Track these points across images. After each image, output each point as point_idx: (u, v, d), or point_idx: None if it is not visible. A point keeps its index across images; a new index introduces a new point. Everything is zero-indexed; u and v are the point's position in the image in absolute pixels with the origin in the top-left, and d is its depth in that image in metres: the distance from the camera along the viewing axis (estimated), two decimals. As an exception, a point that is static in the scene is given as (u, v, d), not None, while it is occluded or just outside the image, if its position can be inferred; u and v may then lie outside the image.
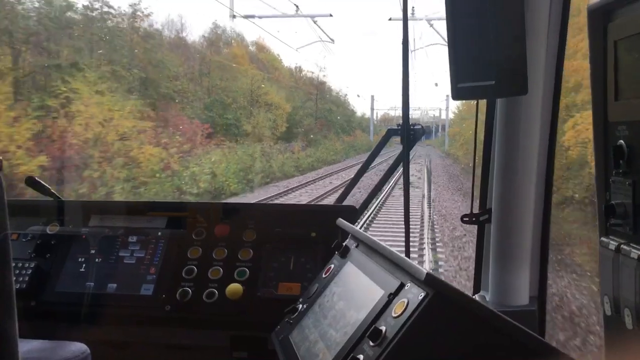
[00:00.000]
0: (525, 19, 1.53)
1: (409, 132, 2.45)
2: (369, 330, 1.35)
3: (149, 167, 17.54)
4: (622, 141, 1.40)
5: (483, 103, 2.22)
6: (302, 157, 32.63)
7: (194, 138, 21.95)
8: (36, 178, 2.58)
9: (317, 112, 39.68)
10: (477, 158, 2.33)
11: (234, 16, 27.92)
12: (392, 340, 1.27)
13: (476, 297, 2.27)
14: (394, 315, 1.33)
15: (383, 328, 1.33)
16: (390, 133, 2.58)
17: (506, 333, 1.29)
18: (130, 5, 23.46)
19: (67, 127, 15.68)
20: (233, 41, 33.55)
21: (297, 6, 28.69)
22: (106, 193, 14.69)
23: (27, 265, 2.37)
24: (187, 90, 25.90)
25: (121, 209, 2.65)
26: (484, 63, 1.60)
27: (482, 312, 1.29)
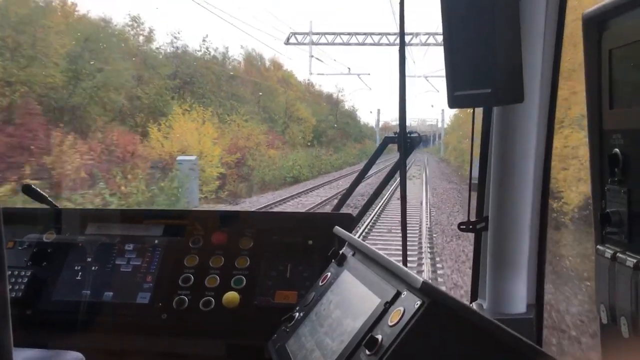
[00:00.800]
0: (521, 27, 1.54)
1: (405, 140, 2.45)
2: (365, 339, 1.35)
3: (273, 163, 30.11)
4: (617, 149, 1.41)
5: (479, 112, 2.22)
6: (334, 159, 42.56)
7: (275, 143, 33.52)
8: (32, 186, 2.57)
9: (337, 124, 49.69)
10: (473, 166, 2.34)
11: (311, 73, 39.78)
12: (388, 349, 1.27)
13: (473, 305, 2.26)
14: (390, 324, 1.33)
15: (379, 337, 1.32)
16: (387, 141, 2.59)
17: (503, 341, 1.28)
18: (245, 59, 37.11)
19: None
20: (272, 67, 42.09)
21: (349, 68, 45.04)
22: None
23: (24, 273, 2.37)
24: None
25: (118, 217, 2.65)
26: (480, 71, 1.60)
27: (478, 321, 1.29)
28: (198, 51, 30.68)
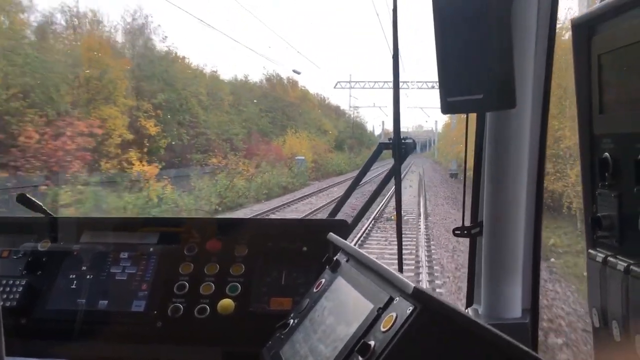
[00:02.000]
0: (512, 33, 1.55)
1: (400, 145, 2.46)
2: (358, 344, 1.35)
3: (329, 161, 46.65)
4: (607, 154, 1.41)
5: (473, 117, 2.23)
6: (359, 160, 53.44)
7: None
8: (27, 195, 2.57)
9: (353, 135, 63.16)
10: (467, 171, 2.35)
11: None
12: (381, 355, 1.27)
13: (469, 310, 2.27)
14: (382, 329, 1.33)
15: (372, 342, 1.32)
16: (381, 147, 2.59)
17: (497, 347, 1.28)
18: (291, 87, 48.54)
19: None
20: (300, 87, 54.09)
21: (374, 103, 56.18)
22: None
23: (18, 282, 2.36)
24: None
25: (113, 225, 2.65)
26: (473, 77, 1.61)
27: (471, 326, 1.29)
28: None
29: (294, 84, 49.45)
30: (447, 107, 1.78)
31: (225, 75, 41.45)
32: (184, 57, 31.23)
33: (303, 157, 37.89)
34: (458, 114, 2.07)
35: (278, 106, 42.90)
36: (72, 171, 18.86)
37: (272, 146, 37.03)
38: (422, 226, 18.90)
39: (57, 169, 18.28)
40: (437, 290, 12.29)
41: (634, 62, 1.29)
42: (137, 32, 26.88)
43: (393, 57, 2.48)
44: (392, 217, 19.83)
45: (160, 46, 28.67)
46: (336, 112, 62.97)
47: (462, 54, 1.66)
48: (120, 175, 20.99)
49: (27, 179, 17.18)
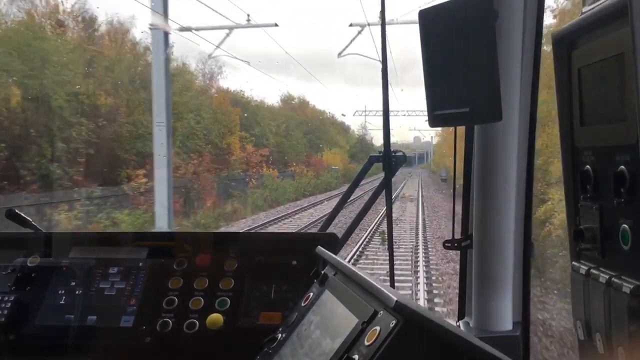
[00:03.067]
0: (497, 46, 1.56)
1: (390, 159, 2.47)
2: (343, 359, 1.34)
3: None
4: (588, 166, 1.42)
5: (461, 131, 2.24)
6: (372, 169, 58.33)
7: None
8: (16, 210, 2.57)
9: (362, 149, 69.11)
10: (457, 184, 2.35)
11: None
12: None
13: (460, 323, 2.26)
14: (366, 343, 1.32)
15: (356, 357, 1.31)
16: (372, 160, 2.60)
17: None
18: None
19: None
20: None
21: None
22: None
23: (7, 298, 2.35)
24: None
25: (102, 240, 2.65)
26: (459, 91, 1.63)
27: (454, 340, 1.28)
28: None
29: (314, 108, 60.01)
30: (434, 120, 1.79)
31: (270, 102, 49.75)
32: (261, 100, 45.64)
33: (337, 167, 54.52)
34: (445, 127, 2.08)
35: (310, 129, 54.34)
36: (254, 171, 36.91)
37: (317, 159, 51.55)
38: (420, 202, 34.30)
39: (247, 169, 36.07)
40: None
41: (612, 75, 1.30)
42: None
43: (382, 71, 2.50)
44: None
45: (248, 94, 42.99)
46: (342, 128, 72.14)
47: (447, 68, 1.67)
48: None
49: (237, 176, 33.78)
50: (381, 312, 1.37)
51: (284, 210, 30.36)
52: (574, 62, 1.45)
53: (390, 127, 2.52)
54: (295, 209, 30.67)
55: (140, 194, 22.88)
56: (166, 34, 18.56)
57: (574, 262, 1.50)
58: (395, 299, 1.28)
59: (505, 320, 2.09)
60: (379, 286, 1.43)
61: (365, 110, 71.15)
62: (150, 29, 19.53)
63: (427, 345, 1.28)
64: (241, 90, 41.05)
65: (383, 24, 2.45)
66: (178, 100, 25.96)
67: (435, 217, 28.21)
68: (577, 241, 1.46)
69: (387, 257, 2.59)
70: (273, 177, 38.19)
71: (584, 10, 1.47)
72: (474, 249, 2.11)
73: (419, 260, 16.71)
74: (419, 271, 15.36)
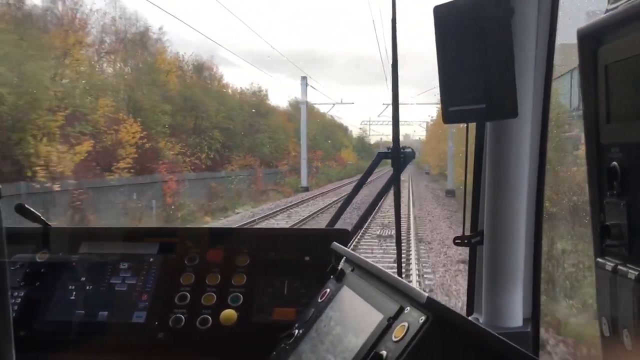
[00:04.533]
0: (513, 43, 1.57)
1: (399, 155, 2.47)
2: (370, 354, 1.34)
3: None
4: (615, 163, 1.42)
5: (461, 128, 2.25)
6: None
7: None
8: (25, 205, 2.54)
9: (363, 149, 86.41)
10: (466, 180, 2.35)
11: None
12: None
13: (470, 319, 2.26)
14: (394, 339, 1.32)
15: (384, 352, 1.32)
16: (380, 156, 2.60)
17: (507, 357, 1.28)
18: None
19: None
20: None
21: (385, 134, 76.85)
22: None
23: (16, 294, 2.33)
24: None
25: (112, 236, 2.62)
26: (475, 87, 1.62)
27: (483, 336, 1.29)
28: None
29: (319, 112, 68.65)
30: (449, 116, 1.79)
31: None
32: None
33: (352, 162, 73.25)
34: (459, 123, 2.08)
35: (327, 133, 67.38)
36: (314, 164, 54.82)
37: (338, 156, 70.31)
38: (409, 185, 44.74)
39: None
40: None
41: None
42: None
43: (392, 67, 2.50)
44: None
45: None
46: (341, 129, 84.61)
47: (463, 64, 1.67)
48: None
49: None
50: (408, 307, 1.37)
51: (335, 185, 51.42)
52: (601, 58, 1.45)
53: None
54: (341, 184, 50.21)
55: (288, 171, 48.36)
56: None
57: (598, 259, 1.50)
58: (426, 295, 1.29)
59: (516, 316, 2.10)
60: (406, 282, 1.44)
61: (370, 121, 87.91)
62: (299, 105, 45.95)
63: (456, 341, 1.29)
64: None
65: (394, 23, 2.44)
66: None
67: (418, 190, 46.93)
68: (603, 237, 1.46)
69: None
70: (324, 168, 59.45)
71: (608, 7, 1.47)
72: (485, 245, 2.12)
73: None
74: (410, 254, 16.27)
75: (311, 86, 46.25)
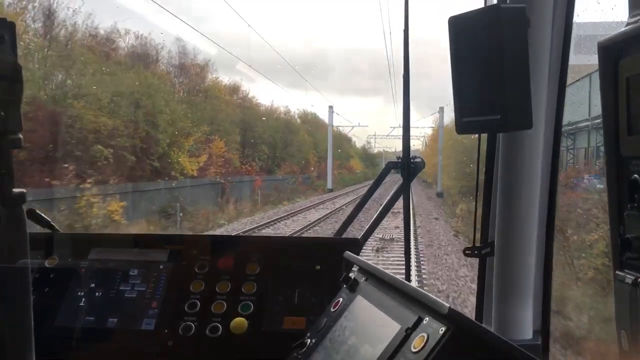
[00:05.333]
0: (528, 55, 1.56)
1: (409, 164, 2.46)
2: None
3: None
4: (636, 175, 1.42)
5: (465, 139, 2.24)
6: (377, 170, 66.94)
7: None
8: (36, 210, 2.53)
9: (367, 157, 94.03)
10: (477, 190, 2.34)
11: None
12: None
13: None
14: (413, 350, 1.31)
15: None
16: (389, 166, 2.60)
17: None
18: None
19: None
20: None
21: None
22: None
23: None
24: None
25: (122, 242, 2.61)
26: (489, 98, 1.62)
27: (506, 349, 1.28)
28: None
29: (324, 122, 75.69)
30: (463, 127, 1.78)
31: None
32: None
33: (359, 170, 79.31)
34: (472, 134, 2.08)
35: (337, 144, 67.99)
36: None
37: (349, 165, 76.50)
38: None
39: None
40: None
41: None
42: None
43: (404, 80, 2.50)
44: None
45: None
46: (346, 139, 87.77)
47: (477, 75, 1.67)
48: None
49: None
50: (427, 318, 1.36)
51: (350, 188, 57.61)
52: (622, 71, 1.45)
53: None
54: (354, 188, 54.69)
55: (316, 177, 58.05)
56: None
57: (618, 272, 1.49)
58: (447, 305, 1.28)
59: (526, 328, 2.09)
60: (425, 292, 1.43)
61: (375, 135, 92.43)
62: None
63: (476, 352, 1.28)
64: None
65: (406, 37, 2.44)
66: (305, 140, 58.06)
67: (416, 192, 51.83)
68: (623, 250, 1.46)
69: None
70: (340, 175, 65.72)
71: (629, 20, 1.48)
72: (496, 257, 2.11)
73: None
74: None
75: (336, 113, 59.48)
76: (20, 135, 1.11)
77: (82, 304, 2.34)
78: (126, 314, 2.30)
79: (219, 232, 23.50)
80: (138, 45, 34.01)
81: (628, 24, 1.47)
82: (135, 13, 40.09)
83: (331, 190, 53.89)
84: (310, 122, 65.66)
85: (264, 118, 47.88)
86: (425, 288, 13.64)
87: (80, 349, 2.24)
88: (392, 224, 23.56)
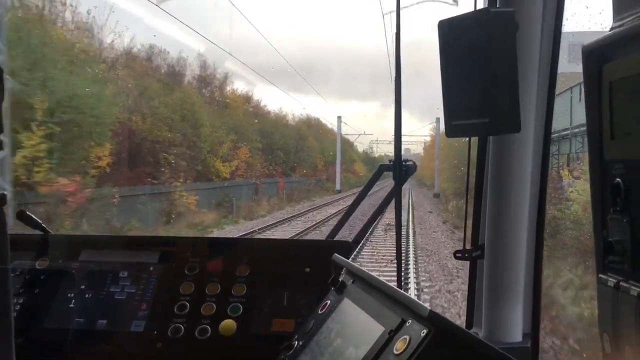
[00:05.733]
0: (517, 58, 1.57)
1: (401, 168, 2.46)
2: None
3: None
4: (619, 179, 1.42)
5: (458, 143, 2.25)
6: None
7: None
8: (27, 212, 2.53)
9: (368, 161, 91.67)
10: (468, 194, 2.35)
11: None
12: None
13: None
14: (395, 352, 1.32)
15: None
16: (382, 169, 2.60)
17: None
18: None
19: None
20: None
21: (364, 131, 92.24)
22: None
23: (15, 301, 2.30)
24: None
25: (112, 244, 2.62)
26: (478, 101, 1.62)
27: (485, 351, 1.29)
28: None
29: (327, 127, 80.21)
30: (452, 130, 1.78)
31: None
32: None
33: (362, 173, 77.90)
34: (462, 137, 2.09)
35: (342, 148, 72.93)
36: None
37: (353, 169, 79.62)
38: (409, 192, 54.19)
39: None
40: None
41: None
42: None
43: (395, 85, 2.50)
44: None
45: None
46: (348, 143, 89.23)
47: (466, 79, 1.67)
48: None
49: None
50: (409, 321, 1.37)
51: (356, 190, 54.36)
52: (606, 75, 1.46)
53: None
54: (359, 189, 56.25)
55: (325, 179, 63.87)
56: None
57: (600, 275, 1.50)
58: (428, 308, 1.28)
59: (515, 331, 2.09)
60: (408, 295, 1.43)
61: (377, 140, 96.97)
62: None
63: (457, 355, 1.28)
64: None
65: (398, 38, 2.44)
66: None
67: (416, 194, 59.75)
68: (606, 253, 1.46)
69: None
70: (345, 177, 69.16)
71: (613, 25, 1.48)
72: (486, 260, 2.11)
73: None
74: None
75: (345, 122, 68.07)
76: (3, 138, 1.10)
77: (72, 305, 2.34)
78: (116, 316, 2.30)
79: (263, 220, 30.18)
80: (175, 64, 38.60)
81: (612, 28, 1.47)
82: (163, 33, 43.68)
83: (339, 191, 61.21)
84: (314, 126, 68.73)
85: (279, 126, 53.63)
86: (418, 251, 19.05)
87: (69, 350, 2.25)
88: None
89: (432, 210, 38.92)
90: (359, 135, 76.68)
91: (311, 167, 62.40)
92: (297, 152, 56.96)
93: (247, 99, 49.10)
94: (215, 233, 24.49)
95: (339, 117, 66.81)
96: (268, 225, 26.91)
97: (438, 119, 55.09)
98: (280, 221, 29.35)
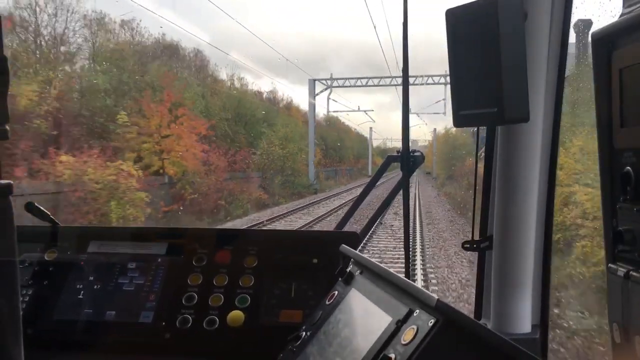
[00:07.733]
0: (525, 47, 1.55)
1: (408, 158, 2.45)
2: (378, 357, 1.33)
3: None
4: (629, 168, 1.41)
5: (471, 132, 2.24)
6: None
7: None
8: (36, 204, 2.54)
9: (378, 153, 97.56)
10: (476, 185, 2.34)
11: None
12: None
13: None
14: (403, 342, 1.31)
15: (392, 355, 1.31)
16: (389, 160, 2.59)
17: None
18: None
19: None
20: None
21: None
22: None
23: (24, 292, 2.32)
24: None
25: (120, 235, 2.62)
26: (486, 91, 1.61)
27: (494, 340, 1.28)
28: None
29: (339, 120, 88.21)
30: (460, 120, 1.78)
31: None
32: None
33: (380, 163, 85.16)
34: (470, 127, 2.07)
35: (354, 141, 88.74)
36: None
37: (374, 160, 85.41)
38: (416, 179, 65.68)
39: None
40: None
41: None
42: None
43: (402, 74, 2.48)
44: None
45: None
46: (345, 131, 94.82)
47: (475, 68, 1.66)
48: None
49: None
50: (417, 311, 1.36)
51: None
52: (615, 62, 1.44)
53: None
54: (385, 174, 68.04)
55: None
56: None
57: (610, 264, 1.49)
58: (436, 297, 1.28)
59: (524, 322, 2.08)
60: (416, 285, 1.43)
61: (386, 139, 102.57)
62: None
63: (465, 344, 1.28)
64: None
65: (405, 23, 2.42)
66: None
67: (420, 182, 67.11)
68: (615, 243, 1.45)
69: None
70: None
71: (623, 11, 1.46)
72: (494, 251, 2.10)
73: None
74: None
75: (372, 129, 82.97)
76: (7, 127, 1.09)
77: (80, 297, 2.35)
78: (124, 307, 2.31)
79: (335, 191, 42.45)
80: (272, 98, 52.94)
81: (622, 14, 1.45)
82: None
83: (370, 176, 71.91)
84: (344, 130, 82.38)
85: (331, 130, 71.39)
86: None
87: (78, 341, 2.26)
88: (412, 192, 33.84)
89: (432, 185, 61.93)
90: (385, 139, 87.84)
91: (349, 160, 78.95)
92: (340, 150, 72.20)
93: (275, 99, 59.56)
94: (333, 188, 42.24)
95: (371, 129, 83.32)
96: (352, 187, 45.10)
97: (435, 130, 72.85)
98: (355, 187, 47.33)
